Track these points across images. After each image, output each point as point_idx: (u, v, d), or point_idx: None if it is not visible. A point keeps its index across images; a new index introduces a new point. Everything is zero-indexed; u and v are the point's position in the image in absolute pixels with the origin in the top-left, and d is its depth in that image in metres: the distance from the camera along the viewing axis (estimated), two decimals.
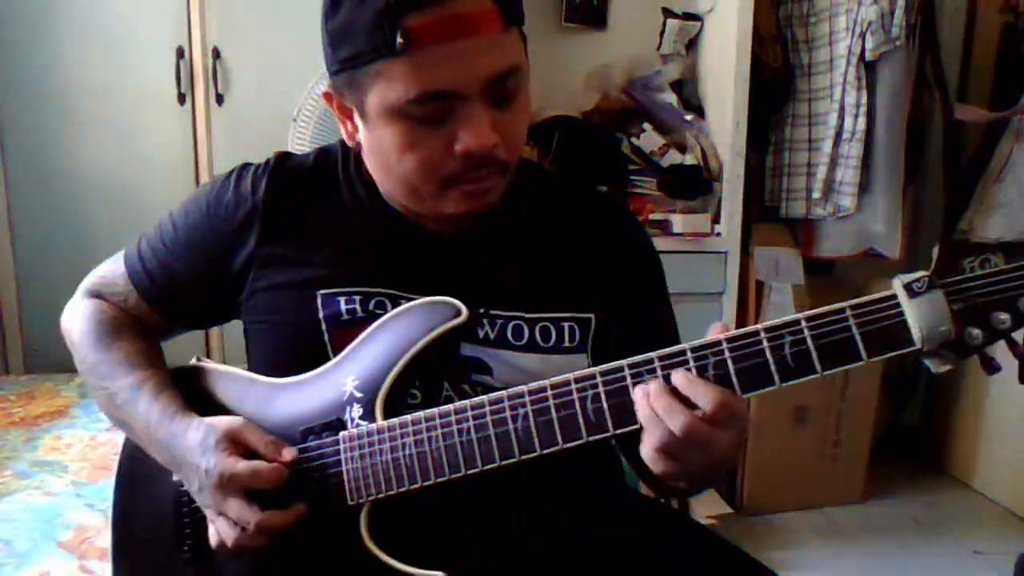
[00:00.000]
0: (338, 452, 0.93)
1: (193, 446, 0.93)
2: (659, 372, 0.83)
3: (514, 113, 0.94)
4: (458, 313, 0.92)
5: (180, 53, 2.51)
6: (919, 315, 0.77)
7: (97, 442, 1.84)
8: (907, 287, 0.77)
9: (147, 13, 2.49)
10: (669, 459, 0.83)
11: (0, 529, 1.48)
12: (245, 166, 1.08)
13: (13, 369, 2.57)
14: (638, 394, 0.83)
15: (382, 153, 0.96)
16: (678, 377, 0.82)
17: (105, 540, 1.09)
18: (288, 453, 0.92)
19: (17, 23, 2.45)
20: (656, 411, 0.81)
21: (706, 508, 2.58)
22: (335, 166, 1.08)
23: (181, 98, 2.54)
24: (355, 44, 0.89)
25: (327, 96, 1.01)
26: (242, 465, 0.90)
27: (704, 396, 0.80)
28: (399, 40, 0.86)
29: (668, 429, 0.80)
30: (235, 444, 0.92)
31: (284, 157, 1.09)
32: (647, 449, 0.83)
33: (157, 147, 2.56)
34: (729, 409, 0.80)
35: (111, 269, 1.13)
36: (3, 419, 2.01)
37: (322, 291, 1.00)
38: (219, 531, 0.92)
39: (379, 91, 0.90)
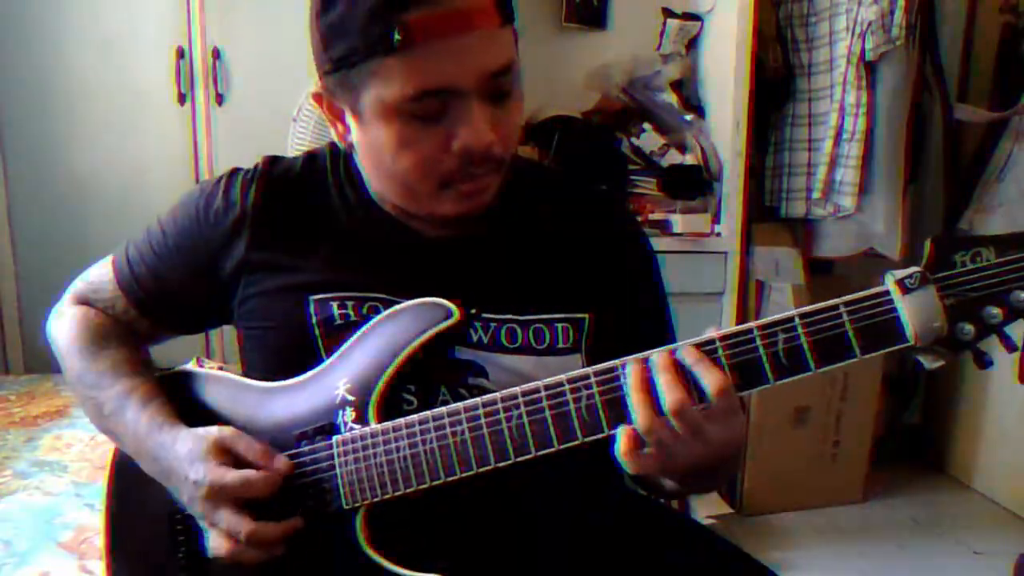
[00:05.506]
0: (332, 456, 0.93)
1: (182, 457, 0.93)
2: None
3: (509, 110, 0.93)
4: (449, 314, 0.92)
5: (180, 53, 2.51)
6: (912, 311, 0.77)
7: (97, 442, 1.84)
8: (900, 283, 0.77)
9: (147, 13, 2.49)
10: (648, 455, 0.82)
11: (0, 529, 1.48)
12: (234, 171, 1.07)
13: (13, 369, 2.57)
14: (633, 364, 0.82)
15: (377, 153, 0.95)
16: (687, 351, 0.82)
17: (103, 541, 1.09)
18: (279, 462, 0.92)
19: (17, 23, 2.45)
20: (651, 382, 0.81)
21: (706, 508, 2.58)
22: (324, 169, 1.07)
23: (181, 98, 2.54)
24: (350, 42, 0.88)
25: (316, 97, 1.00)
26: (232, 475, 0.90)
27: (708, 375, 0.80)
28: (396, 36, 0.84)
29: (655, 409, 0.80)
30: (225, 454, 0.92)
31: (272, 162, 1.08)
32: (624, 439, 0.82)
33: (157, 147, 2.56)
34: (729, 397, 0.80)
35: (99, 275, 1.12)
36: (3, 419, 2.01)
37: (314, 296, 0.99)
38: (212, 542, 0.92)
39: (375, 89, 0.89)
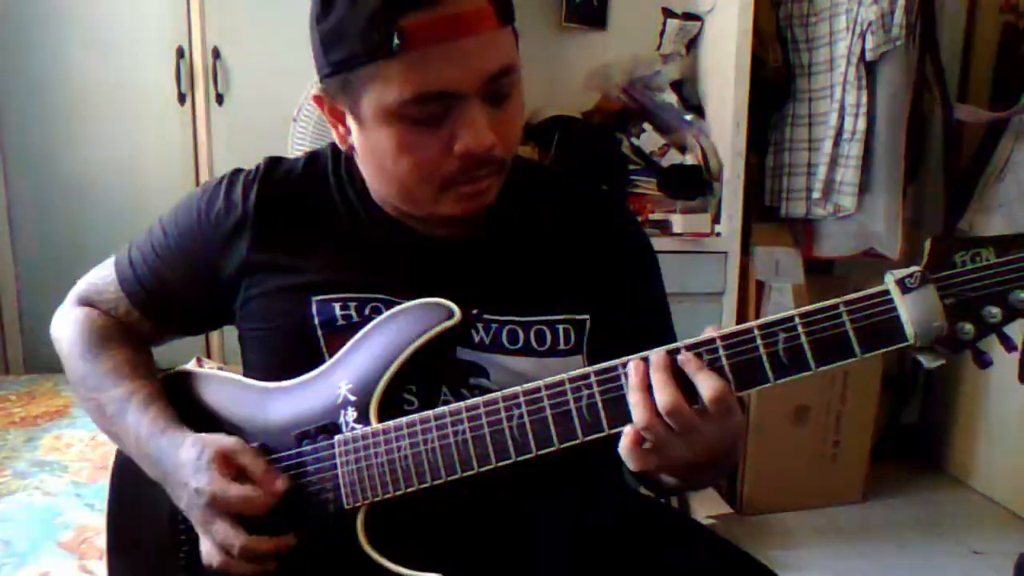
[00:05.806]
0: (333, 456, 0.93)
1: (185, 463, 0.93)
2: None
3: (510, 111, 0.93)
4: (451, 315, 0.92)
5: (180, 53, 2.51)
6: (911, 310, 0.77)
7: (97, 442, 1.84)
8: (899, 282, 0.78)
9: (147, 13, 2.49)
10: (648, 452, 0.83)
11: (0, 529, 1.48)
12: (236, 172, 1.07)
13: (13, 369, 2.56)
14: (633, 363, 0.83)
15: (378, 156, 0.95)
16: (685, 356, 0.82)
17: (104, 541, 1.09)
18: (282, 483, 0.92)
19: (17, 23, 2.45)
20: (649, 381, 0.81)
21: (706, 508, 2.58)
22: (325, 170, 1.07)
23: (181, 98, 2.53)
24: (349, 46, 0.88)
25: (317, 100, 1.00)
26: (235, 490, 0.90)
27: (704, 381, 0.80)
28: (395, 41, 0.85)
29: (653, 408, 0.81)
30: (228, 465, 0.92)
31: (274, 162, 1.08)
32: (625, 439, 0.83)
33: (157, 147, 2.56)
34: (724, 402, 0.80)
35: (101, 276, 1.12)
36: (3, 419, 2.01)
37: (316, 297, 0.99)
38: (204, 550, 0.93)
39: (374, 93, 0.89)
